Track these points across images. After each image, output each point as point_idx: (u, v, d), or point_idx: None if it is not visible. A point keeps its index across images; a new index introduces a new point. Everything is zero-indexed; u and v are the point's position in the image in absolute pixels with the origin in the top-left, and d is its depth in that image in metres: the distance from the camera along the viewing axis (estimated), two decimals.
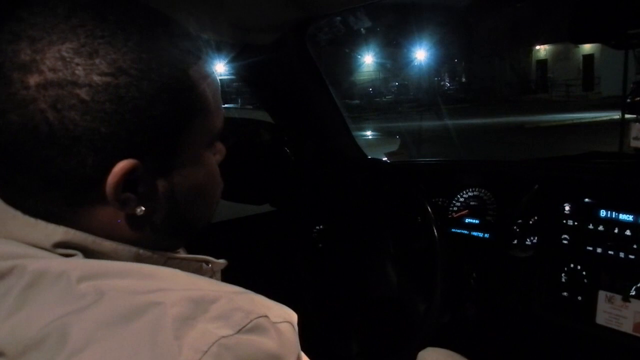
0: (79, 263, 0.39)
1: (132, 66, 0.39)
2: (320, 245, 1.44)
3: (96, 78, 0.38)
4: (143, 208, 0.42)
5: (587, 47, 20.54)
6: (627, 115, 1.11)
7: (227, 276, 0.52)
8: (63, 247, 0.40)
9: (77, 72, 0.37)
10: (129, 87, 0.39)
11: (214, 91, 0.46)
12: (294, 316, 0.42)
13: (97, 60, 0.38)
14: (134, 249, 0.43)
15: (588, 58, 21.21)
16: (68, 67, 0.37)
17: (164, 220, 0.45)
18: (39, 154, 0.38)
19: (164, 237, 0.46)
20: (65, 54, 0.37)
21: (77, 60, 0.37)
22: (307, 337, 0.42)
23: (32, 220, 0.40)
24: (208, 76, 0.45)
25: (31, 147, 0.38)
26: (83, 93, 0.37)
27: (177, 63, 0.42)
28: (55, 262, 0.39)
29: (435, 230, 1.11)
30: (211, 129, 0.46)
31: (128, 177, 0.40)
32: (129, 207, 0.42)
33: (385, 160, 1.65)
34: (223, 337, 0.35)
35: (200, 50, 0.46)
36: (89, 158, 0.38)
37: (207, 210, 0.50)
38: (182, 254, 0.47)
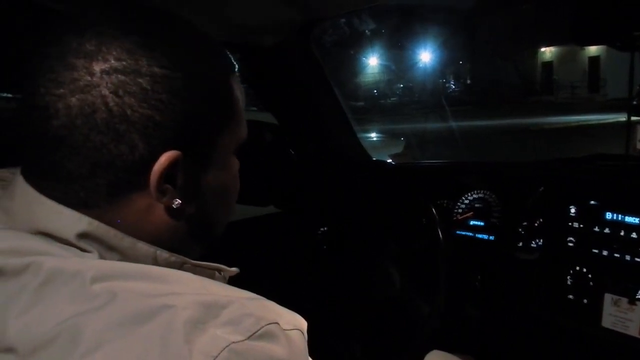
0: (94, 263, 0.40)
1: (186, 63, 0.43)
2: (324, 246, 1.44)
3: (157, 70, 0.41)
4: (179, 201, 0.44)
5: (592, 49, 20.42)
6: (633, 118, 1.10)
7: (231, 277, 0.52)
8: (84, 239, 0.41)
9: (140, 62, 0.41)
10: (183, 82, 0.42)
11: (243, 101, 0.51)
12: (304, 324, 0.42)
13: (157, 54, 0.41)
14: (152, 249, 0.43)
15: (594, 60, 21.11)
16: (132, 57, 0.40)
17: (191, 218, 0.47)
18: (94, 138, 0.40)
19: (186, 238, 0.48)
20: (129, 46, 0.41)
21: (140, 52, 0.41)
22: (310, 338, 0.42)
23: (60, 208, 0.41)
24: (240, 87, 0.50)
25: (87, 132, 0.40)
26: (145, 82, 0.40)
27: (222, 70, 0.48)
28: (71, 261, 0.39)
29: (439, 232, 1.11)
30: (239, 135, 0.50)
31: (170, 169, 0.42)
32: (167, 198, 0.43)
33: (389, 162, 1.65)
34: (233, 342, 0.35)
35: (234, 65, 0.50)
36: (140, 145, 0.41)
37: (225, 215, 0.53)
38: (197, 261, 0.48)
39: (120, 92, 0.40)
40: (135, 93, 0.40)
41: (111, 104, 0.39)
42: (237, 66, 0.51)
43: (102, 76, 0.39)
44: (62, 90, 0.39)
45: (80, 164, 0.40)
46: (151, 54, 0.41)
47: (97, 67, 0.39)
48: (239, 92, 0.49)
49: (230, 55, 0.50)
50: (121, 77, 0.40)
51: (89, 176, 0.41)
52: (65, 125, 0.39)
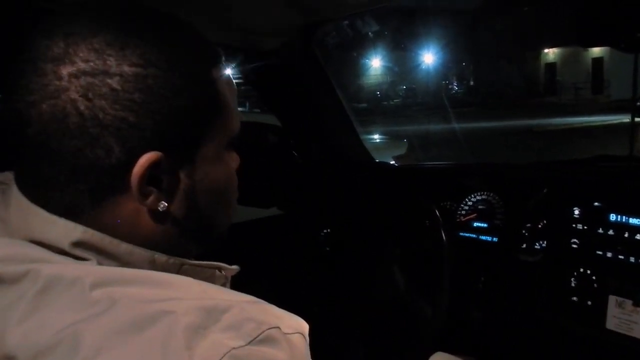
0: (93, 269, 0.39)
1: (160, 59, 0.41)
2: (327, 248, 1.44)
3: (127, 68, 0.39)
4: (165, 204, 0.43)
5: (596, 50, 20.37)
6: (636, 119, 1.10)
7: (234, 279, 0.52)
8: (80, 247, 0.40)
9: (108, 62, 0.39)
10: (157, 78, 0.40)
11: (232, 93, 0.48)
12: (305, 327, 0.41)
13: (127, 52, 0.40)
14: (149, 253, 0.43)
15: (597, 61, 21.05)
16: (100, 57, 0.39)
17: (183, 219, 0.45)
18: (68, 143, 0.39)
19: (181, 239, 0.46)
20: (97, 45, 0.39)
21: (108, 51, 0.39)
22: (313, 341, 0.42)
23: (53, 217, 0.41)
24: (228, 78, 0.48)
25: (60, 137, 0.39)
26: (114, 82, 0.39)
27: (201, 61, 0.45)
28: (70, 268, 0.39)
29: (443, 234, 1.11)
30: (231, 129, 0.48)
31: (152, 171, 0.41)
32: (151, 201, 0.42)
33: (392, 164, 1.65)
34: (234, 348, 0.35)
35: (220, 55, 0.48)
36: (115, 148, 0.39)
37: (224, 215, 0.51)
38: (196, 261, 0.47)
39: (90, 95, 0.38)
40: (105, 95, 0.39)
41: (82, 107, 0.38)
42: (223, 56, 0.48)
43: (71, 80, 0.38)
44: (33, 97, 0.39)
45: (59, 170, 0.40)
46: (121, 52, 0.39)
47: (65, 71, 0.38)
48: (225, 84, 0.47)
49: (214, 46, 0.48)
50: (89, 79, 0.38)
51: (69, 182, 0.40)
52: (40, 132, 0.39)
